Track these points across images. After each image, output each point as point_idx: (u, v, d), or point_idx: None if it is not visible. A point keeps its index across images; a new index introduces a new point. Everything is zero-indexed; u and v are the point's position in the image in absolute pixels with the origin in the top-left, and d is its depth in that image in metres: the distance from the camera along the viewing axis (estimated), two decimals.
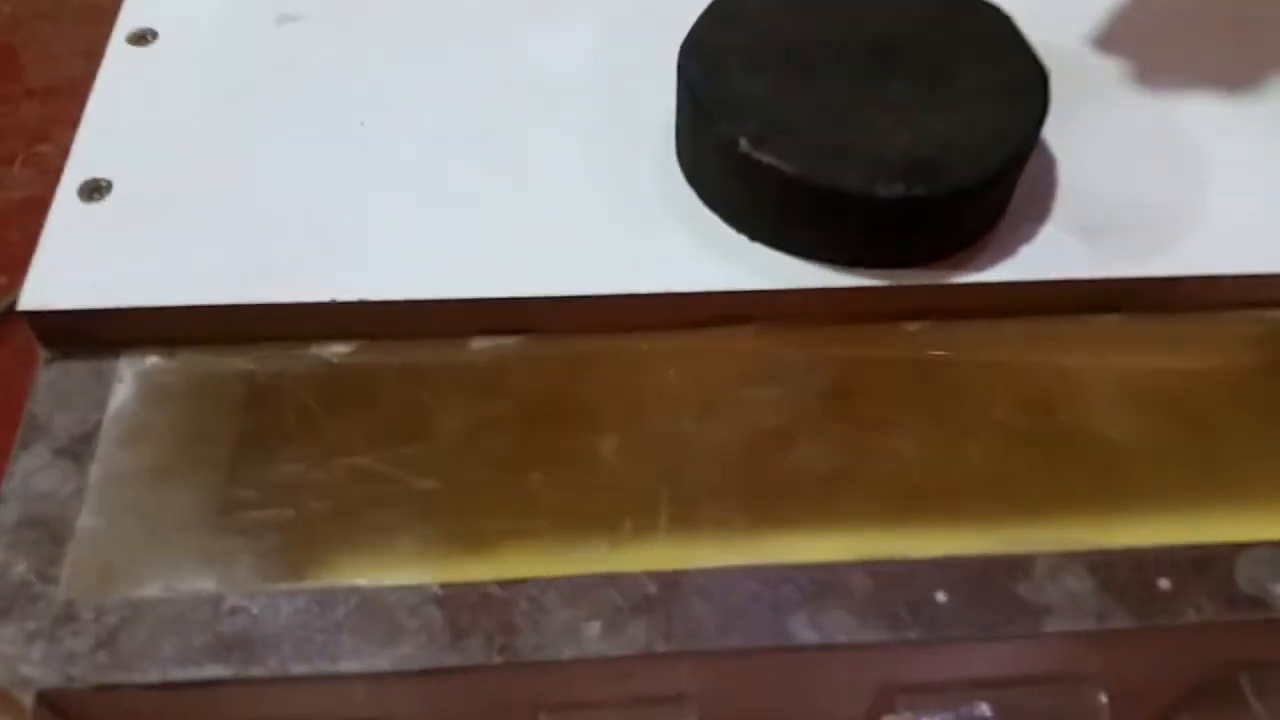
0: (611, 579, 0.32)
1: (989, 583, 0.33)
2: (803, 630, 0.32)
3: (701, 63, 0.37)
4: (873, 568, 0.33)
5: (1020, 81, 0.37)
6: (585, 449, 0.35)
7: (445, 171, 0.39)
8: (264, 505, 0.33)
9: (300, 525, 0.33)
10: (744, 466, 0.35)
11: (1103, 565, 0.34)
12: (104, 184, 0.38)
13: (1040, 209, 0.39)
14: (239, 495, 0.34)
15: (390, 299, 0.35)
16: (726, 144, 0.35)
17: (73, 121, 0.42)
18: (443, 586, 0.32)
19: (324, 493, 0.34)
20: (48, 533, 0.33)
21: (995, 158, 0.35)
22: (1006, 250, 0.38)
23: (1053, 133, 0.40)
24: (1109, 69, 0.45)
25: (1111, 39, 0.46)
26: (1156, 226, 0.39)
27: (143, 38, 0.42)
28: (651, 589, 0.32)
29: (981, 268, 0.38)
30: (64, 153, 0.40)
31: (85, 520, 0.33)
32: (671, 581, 0.33)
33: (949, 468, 0.36)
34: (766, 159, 0.35)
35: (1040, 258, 0.38)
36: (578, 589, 0.32)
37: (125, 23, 0.43)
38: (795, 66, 0.37)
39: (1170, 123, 0.43)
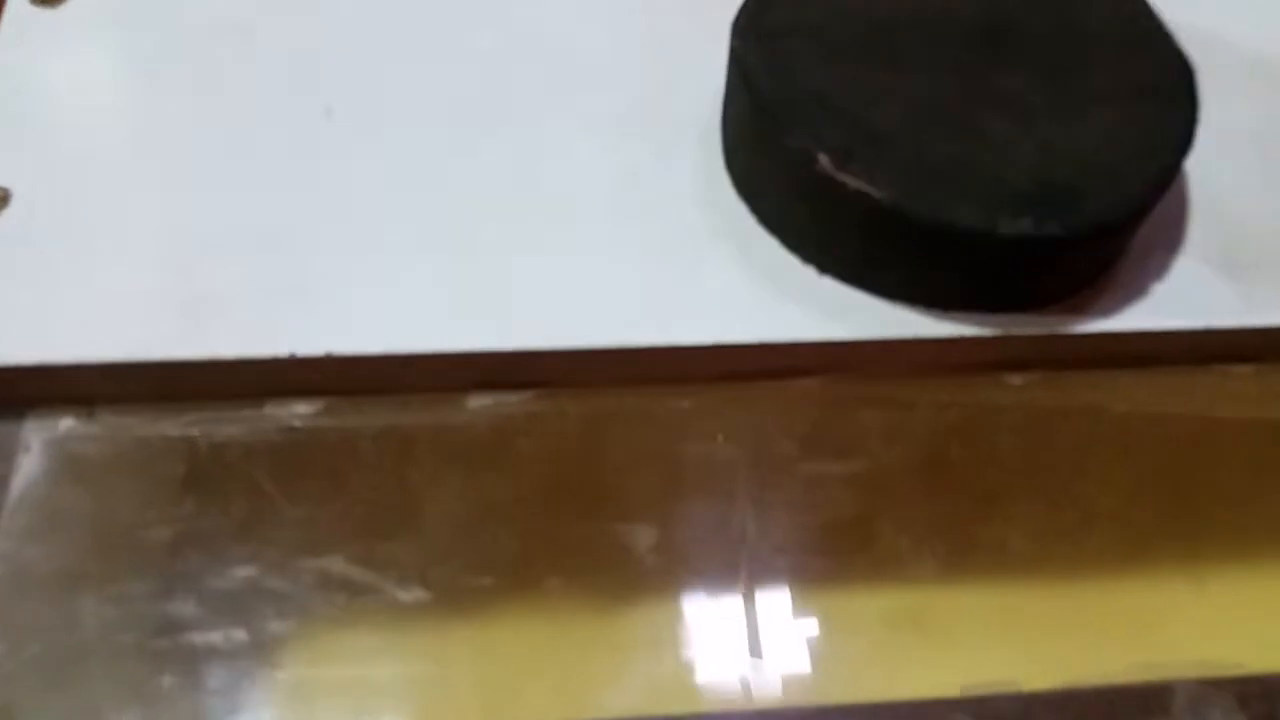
0: None
1: None
2: None
3: (761, 47, 0.29)
4: (977, 707, 0.27)
5: (1161, 77, 0.30)
6: (613, 541, 0.28)
7: (434, 179, 0.31)
8: (209, 624, 0.26)
9: (256, 650, 0.26)
10: (812, 564, 0.29)
11: (1257, 696, 0.27)
12: (0, 194, 0.30)
13: (1171, 236, 0.32)
14: (178, 611, 0.26)
15: (365, 354, 0.28)
16: (798, 158, 0.27)
17: None
18: None
19: (285, 606, 0.27)
20: None
21: (1139, 182, 0.28)
22: (1136, 289, 0.31)
23: None
24: (1242, 54, 0.36)
25: (1243, 16, 0.37)
26: None
27: None
28: None
29: (1109, 312, 0.30)
30: None
31: None
32: None
33: (1063, 563, 0.29)
34: (854, 182, 0.27)
35: (1176, 300, 0.31)
36: None
37: None
38: (879, 54, 0.29)
39: None
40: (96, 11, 0.33)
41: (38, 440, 0.29)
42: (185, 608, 0.27)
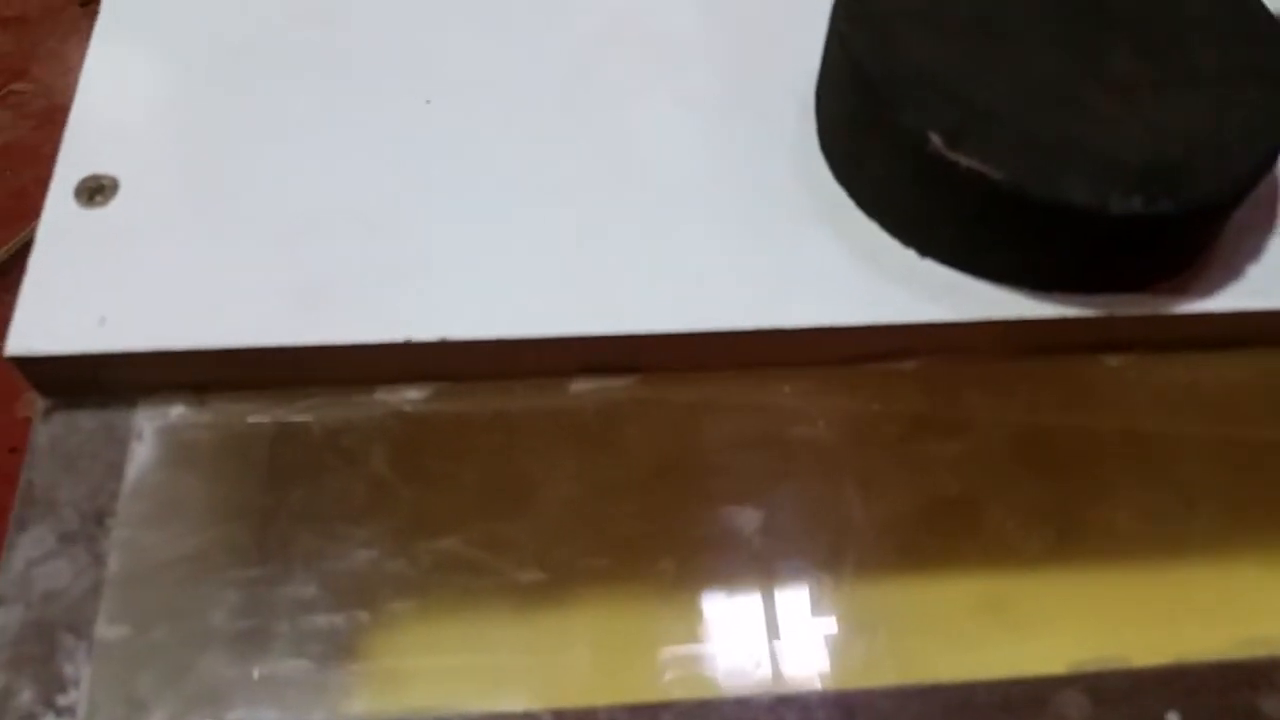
0: (769, 707, 0.26)
1: (1229, 699, 0.27)
2: None
3: (866, 25, 0.29)
4: (1088, 682, 0.27)
5: (1266, 57, 0.29)
6: (721, 524, 0.29)
7: (532, 162, 0.31)
8: (331, 606, 0.27)
9: (377, 631, 0.26)
10: (916, 544, 0.29)
11: None
12: (107, 183, 0.30)
13: (1265, 217, 0.32)
14: (298, 593, 0.27)
15: (479, 338, 0.28)
16: (908, 139, 0.28)
17: (53, 55, 0.34)
18: (557, 715, 0.26)
19: (404, 587, 0.27)
20: (58, 646, 0.26)
21: (1247, 160, 0.28)
22: (1232, 270, 0.31)
23: None
24: None
25: None
26: None
27: None
28: (820, 715, 0.26)
29: (1206, 293, 0.30)
30: (46, 92, 0.32)
31: (104, 629, 0.26)
32: (845, 704, 0.26)
33: (1170, 544, 0.29)
34: (966, 161, 0.27)
35: (1272, 280, 0.31)
36: (728, 717, 0.26)
37: None
38: (986, 33, 0.29)
39: None
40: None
41: (150, 427, 0.29)
42: (306, 590, 0.27)
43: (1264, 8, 0.30)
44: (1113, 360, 0.31)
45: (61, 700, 0.25)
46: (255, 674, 0.26)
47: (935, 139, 0.27)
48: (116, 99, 0.31)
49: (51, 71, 0.36)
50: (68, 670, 0.25)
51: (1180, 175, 0.27)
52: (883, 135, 0.29)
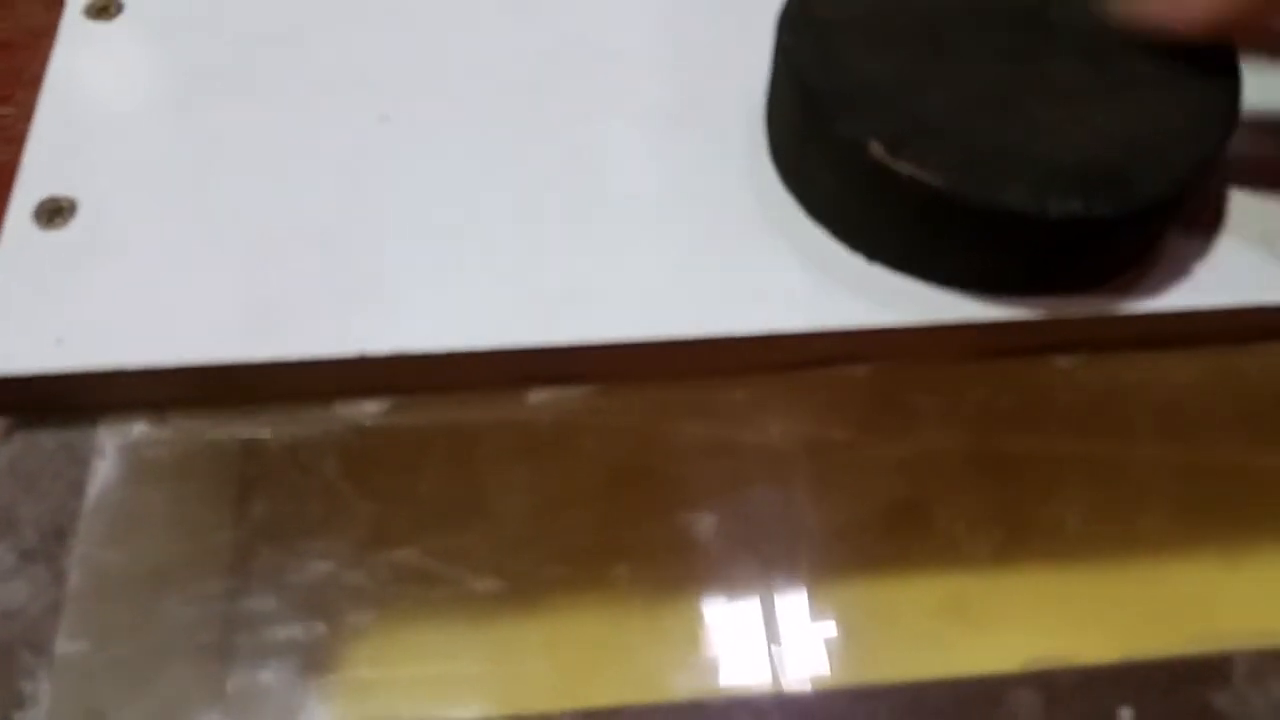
0: (724, 710, 0.26)
1: (1181, 695, 0.28)
2: None
3: (809, 38, 0.30)
4: (1040, 680, 0.27)
5: (1203, 57, 0.30)
6: (676, 530, 0.29)
7: (487, 178, 0.32)
8: (288, 618, 0.27)
9: (335, 643, 0.27)
10: (869, 547, 0.29)
11: None
12: (66, 204, 0.30)
13: (1211, 216, 0.32)
14: (257, 606, 0.27)
15: (433, 351, 0.28)
16: (851, 148, 0.28)
17: (36, 81, 0.34)
18: None
19: (362, 599, 0.27)
20: (17, 664, 0.26)
21: (1187, 161, 0.28)
22: (1179, 270, 0.31)
23: None
24: None
25: None
26: None
27: (104, 9, 0.34)
28: (775, 718, 0.26)
29: (1154, 292, 0.31)
30: (29, 116, 0.33)
31: (64, 645, 0.26)
32: (797, 706, 0.27)
33: (1116, 540, 0.30)
34: (907, 169, 0.27)
35: (1219, 278, 0.31)
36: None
37: None
38: (928, 43, 0.30)
39: None
40: (149, 23, 0.34)
41: (111, 445, 0.29)
42: (264, 603, 0.27)
43: None
44: (1063, 361, 0.32)
45: (19, 717, 0.25)
46: (215, 687, 0.26)
47: (876, 147, 0.28)
48: (75, 122, 0.32)
49: (36, 96, 0.36)
50: (27, 687, 0.26)
51: (1119, 178, 0.28)
52: (826, 145, 0.29)
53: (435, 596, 0.27)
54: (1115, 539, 0.30)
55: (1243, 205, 0.33)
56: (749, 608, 0.28)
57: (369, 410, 0.30)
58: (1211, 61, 0.30)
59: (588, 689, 0.27)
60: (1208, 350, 0.32)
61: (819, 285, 0.30)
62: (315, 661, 0.27)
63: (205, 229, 0.30)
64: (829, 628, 0.28)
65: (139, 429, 0.29)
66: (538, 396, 0.30)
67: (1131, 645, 0.28)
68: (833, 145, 0.29)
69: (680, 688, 0.27)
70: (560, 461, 0.30)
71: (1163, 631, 0.28)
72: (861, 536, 0.29)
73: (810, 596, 0.28)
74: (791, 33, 0.30)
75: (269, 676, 0.26)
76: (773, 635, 0.28)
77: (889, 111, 0.28)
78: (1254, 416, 0.31)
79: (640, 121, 0.33)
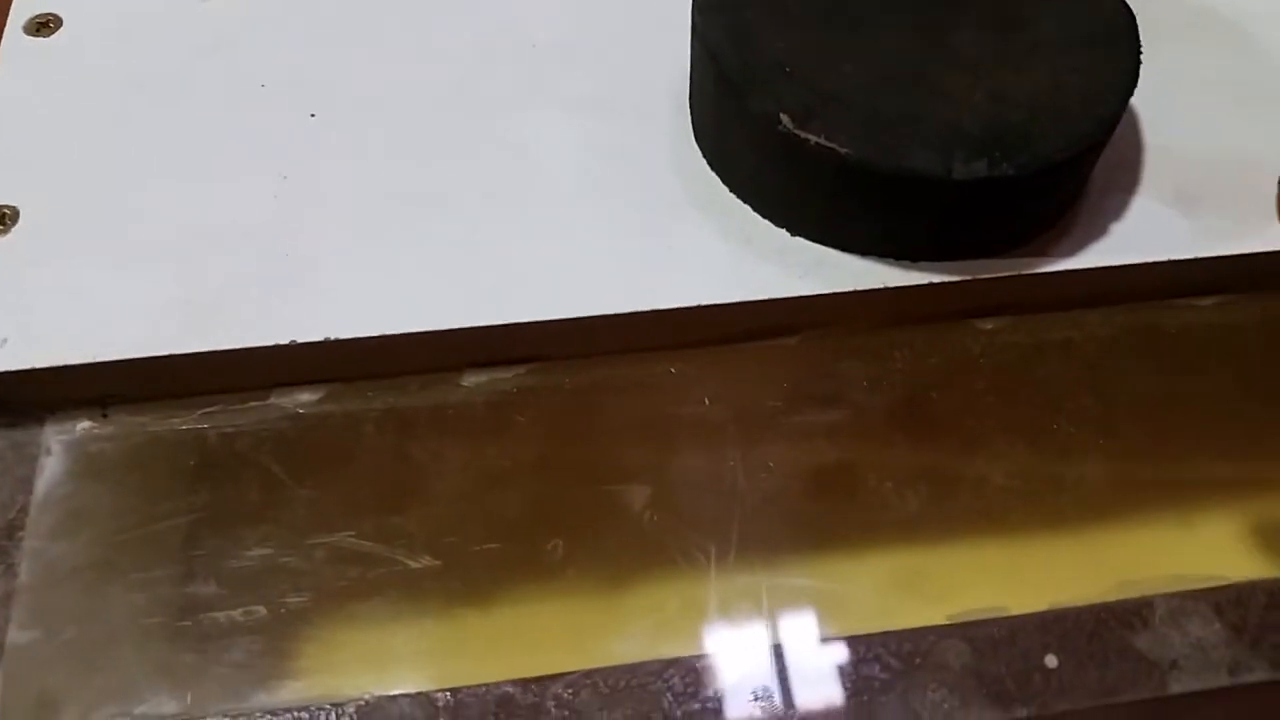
0: (658, 672, 0.27)
1: (1104, 638, 0.28)
2: None
3: (722, 20, 0.30)
4: (967, 631, 0.28)
5: (1104, 24, 0.31)
6: (611, 503, 0.30)
7: (417, 169, 0.32)
8: (231, 603, 0.28)
9: (276, 625, 0.28)
10: (803, 512, 0.30)
11: (1232, 603, 0.29)
12: (8, 213, 0.31)
13: (1128, 176, 0.33)
14: (200, 592, 0.28)
15: (361, 336, 0.29)
16: (762, 122, 0.29)
17: None
18: (452, 692, 0.27)
19: (300, 581, 0.28)
20: None
21: (1088, 122, 0.29)
22: (1096, 229, 0.32)
23: None
24: (1181, 3, 0.38)
25: None
26: (1261, 188, 0.33)
27: (44, 25, 0.35)
28: (704, 676, 0.27)
29: (1071, 252, 0.31)
30: None
31: (15, 635, 0.27)
32: (727, 664, 0.27)
33: (1042, 496, 0.30)
34: (815, 138, 0.28)
35: (1135, 236, 0.32)
36: (617, 686, 0.27)
37: (22, 8, 0.35)
38: (836, 18, 0.31)
39: (1268, 61, 0.36)
40: (87, 37, 0.35)
41: (58, 442, 0.30)
42: (206, 589, 0.28)
43: None
44: (985, 324, 0.32)
45: None
46: (163, 670, 0.27)
47: (785, 120, 0.28)
48: (16, 133, 0.33)
49: None
50: None
51: (1022, 139, 0.28)
52: (742, 122, 0.30)
53: (373, 577, 0.28)
54: (1042, 497, 0.30)
55: (1157, 165, 0.33)
56: (684, 577, 0.29)
57: (305, 399, 0.30)
58: (1112, 29, 0.31)
59: (525, 660, 0.28)
60: (1127, 308, 0.33)
61: (743, 259, 0.31)
62: (258, 643, 0.27)
63: (143, 231, 0.31)
64: (763, 591, 0.29)
65: (83, 426, 0.30)
66: (471, 379, 0.31)
67: (1058, 597, 0.29)
68: (748, 121, 0.29)
69: (616, 655, 0.28)
70: (494, 442, 0.30)
71: (1089, 583, 0.29)
72: (793, 502, 0.30)
73: (744, 562, 0.29)
74: (703, 13, 0.31)
75: (215, 658, 0.27)
76: (707, 601, 0.28)
77: (799, 85, 0.29)
78: (1173, 373, 0.32)
79: (569, 110, 0.34)
